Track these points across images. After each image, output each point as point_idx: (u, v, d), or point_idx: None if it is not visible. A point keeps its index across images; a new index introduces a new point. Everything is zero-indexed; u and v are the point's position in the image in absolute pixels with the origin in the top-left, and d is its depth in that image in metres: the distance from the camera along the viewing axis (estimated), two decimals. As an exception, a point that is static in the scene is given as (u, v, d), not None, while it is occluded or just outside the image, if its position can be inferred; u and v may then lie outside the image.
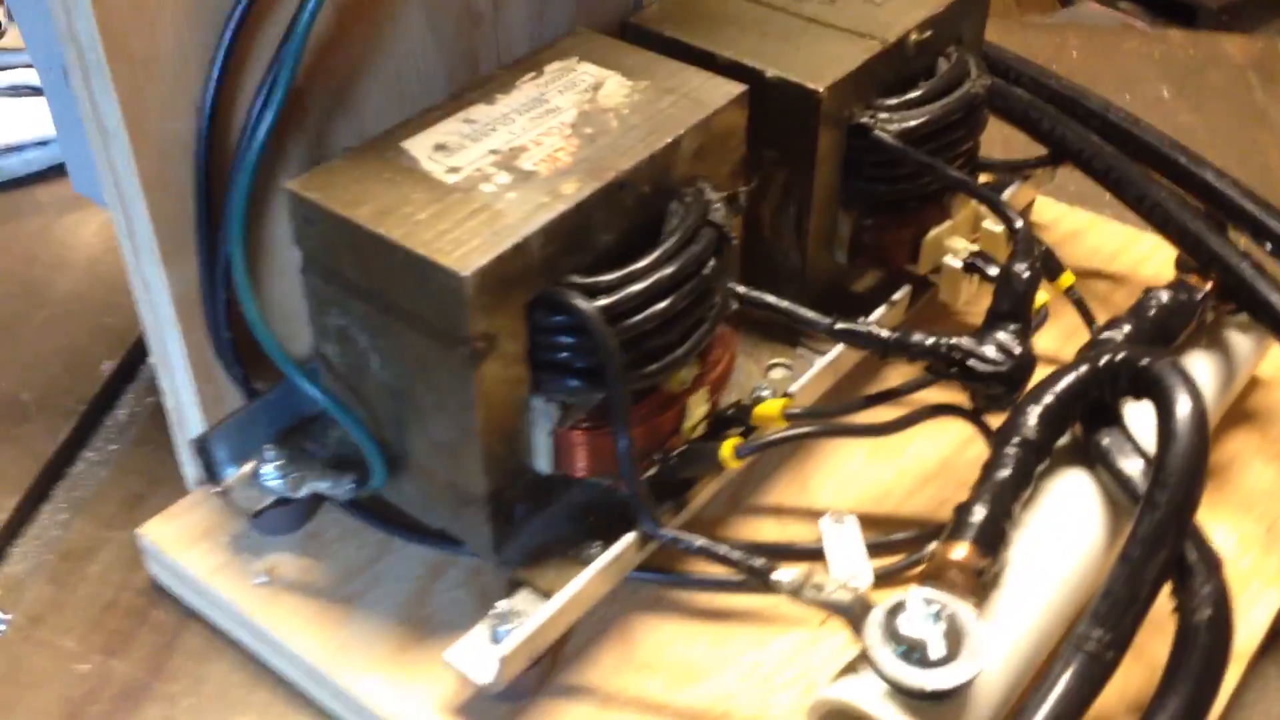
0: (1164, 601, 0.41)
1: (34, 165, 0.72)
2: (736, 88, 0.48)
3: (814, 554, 0.48)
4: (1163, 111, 0.80)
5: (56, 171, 0.72)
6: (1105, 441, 0.45)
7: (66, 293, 0.65)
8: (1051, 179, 0.63)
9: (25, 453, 0.57)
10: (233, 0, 0.43)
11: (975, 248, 0.55)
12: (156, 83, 0.43)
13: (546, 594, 0.44)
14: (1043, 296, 0.54)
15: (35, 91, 0.73)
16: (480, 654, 0.43)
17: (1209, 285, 0.51)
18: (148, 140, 0.43)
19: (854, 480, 0.53)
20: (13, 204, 0.71)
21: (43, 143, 0.71)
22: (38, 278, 0.66)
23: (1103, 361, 0.46)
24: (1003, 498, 0.43)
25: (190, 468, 0.51)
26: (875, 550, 0.47)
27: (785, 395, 0.49)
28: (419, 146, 0.44)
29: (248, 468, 0.49)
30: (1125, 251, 0.64)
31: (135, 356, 0.62)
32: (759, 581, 0.42)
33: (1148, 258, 0.63)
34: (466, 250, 0.40)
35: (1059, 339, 0.57)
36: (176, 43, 0.43)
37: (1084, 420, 0.46)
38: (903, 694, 0.38)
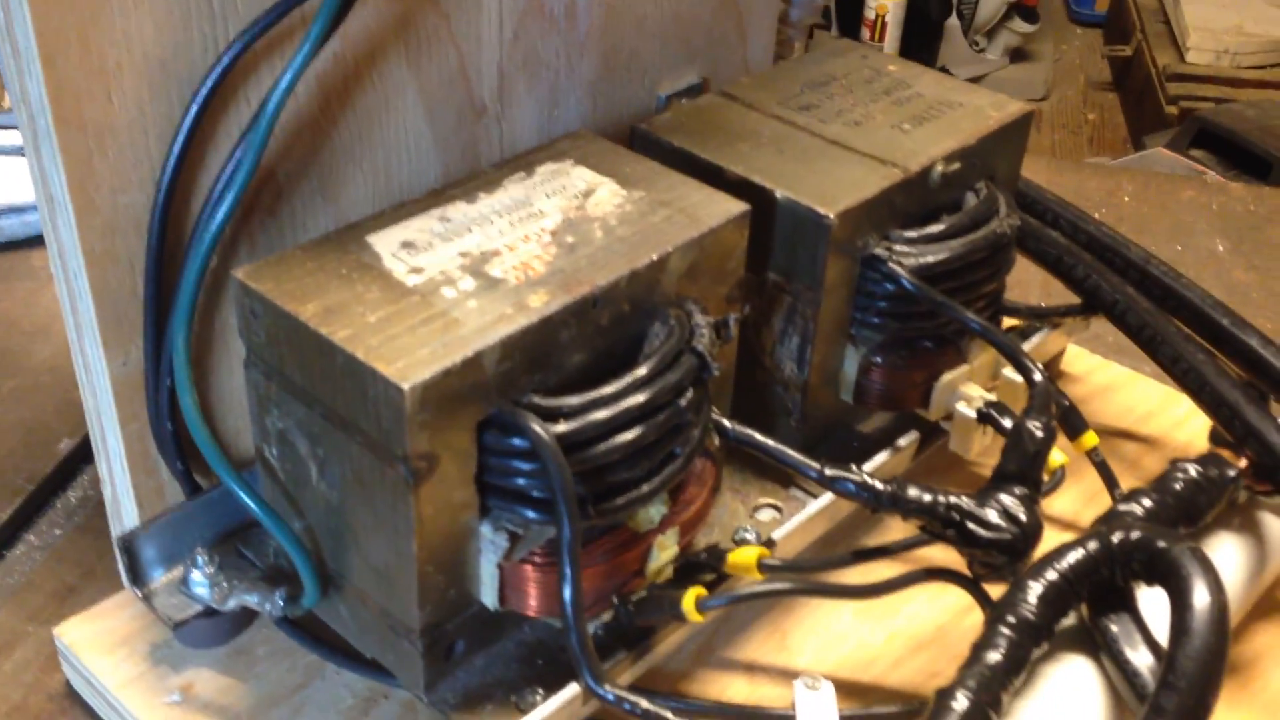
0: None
1: (34, 228, 0.70)
2: (738, 206, 0.44)
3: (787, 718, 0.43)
4: (1216, 267, 0.75)
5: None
6: (1113, 629, 0.40)
7: (40, 363, 0.62)
8: (1085, 329, 0.59)
9: (-38, 530, 0.53)
10: (201, 72, 0.41)
11: (992, 397, 0.50)
12: (110, 153, 0.40)
13: (475, 745, 0.39)
14: (1062, 457, 0.50)
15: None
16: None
17: (1243, 462, 0.46)
18: (96, 212, 0.40)
19: (839, 641, 0.48)
20: (5, 266, 0.69)
21: (42, 207, 0.69)
22: (14, 346, 0.63)
23: (1117, 539, 0.41)
24: (991, 684, 0.38)
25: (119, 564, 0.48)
26: (852, 723, 0.43)
27: (765, 544, 0.45)
28: (384, 242, 0.41)
29: (175, 572, 0.45)
30: (1160, 414, 0.59)
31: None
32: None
33: (1184, 422, 0.59)
34: (412, 361, 0.36)
35: (1077, 504, 0.52)
36: (136, 113, 0.40)
37: (1091, 602, 0.41)
38: None
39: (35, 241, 0.71)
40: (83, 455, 0.58)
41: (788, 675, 0.45)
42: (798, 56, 0.62)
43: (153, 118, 0.40)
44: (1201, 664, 0.36)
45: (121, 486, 0.46)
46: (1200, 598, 0.37)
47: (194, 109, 0.41)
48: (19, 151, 0.71)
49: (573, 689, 0.41)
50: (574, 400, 0.39)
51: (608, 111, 0.55)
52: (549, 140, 0.49)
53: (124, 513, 0.46)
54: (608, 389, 0.39)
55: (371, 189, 0.48)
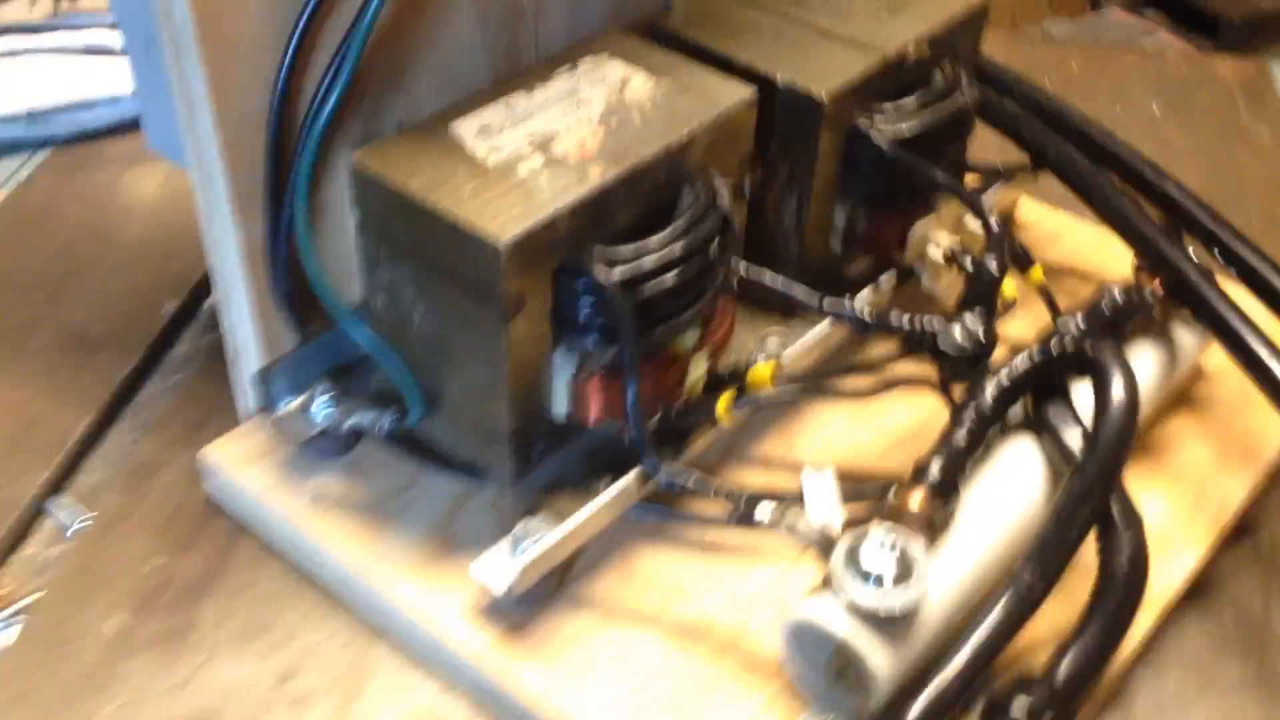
0: (1091, 552, 0.48)
1: (104, 121, 0.79)
2: (748, 90, 0.54)
3: (795, 499, 0.54)
4: (1152, 126, 0.86)
5: (124, 128, 0.79)
6: (1050, 413, 0.52)
7: (132, 239, 0.72)
8: (1035, 183, 0.69)
9: (98, 379, 0.64)
10: (305, -8, 0.50)
11: (956, 242, 0.61)
12: (239, 63, 0.49)
13: (559, 518, 0.51)
14: (1014, 289, 0.60)
15: (108, 52, 0.79)
16: (501, 566, 0.49)
17: (1159, 286, 0.57)
18: (229, 112, 0.50)
19: (836, 440, 0.59)
20: (83, 156, 0.78)
21: (113, 101, 0.78)
22: (107, 224, 0.73)
23: (1055, 345, 0.52)
24: (957, 456, 0.50)
25: (247, 399, 0.58)
26: (849, 499, 0.54)
27: (776, 361, 0.56)
28: (466, 128, 0.51)
29: (300, 400, 0.56)
30: (1099, 253, 0.70)
31: (195, 299, 0.69)
32: (743, 515, 0.48)
33: (1119, 259, 0.69)
34: (504, 222, 0.46)
35: (1027, 327, 0.63)
36: (259, 27, 0.49)
37: (1035, 395, 0.53)
38: (858, 614, 0.45)
39: (106, 133, 0.80)
40: (184, 316, 0.68)
41: (796, 468, 0.56)
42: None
43: (271, 32, 0.49)
44: (1116, 432, 0.48)
45: (245, 336, 0.56)
46: (1116, 385, 0.49)
47: (302, 23, 0.50)
48: (89, 51, 0.80)
49: (631, 475, 0.52)
50: (627, 250, 0.49)
51: (622, 10, 0.64)
52: (574, 39, 0.58)
53: (249, 357, 0.57)
54: (653, 240, 0.49)
55: (435, 84, 0.57)
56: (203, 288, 0.69)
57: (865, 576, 0.45)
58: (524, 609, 0.51)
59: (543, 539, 0.49)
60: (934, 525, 0.48)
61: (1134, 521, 0.48)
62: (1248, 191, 0.80)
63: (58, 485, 0.59)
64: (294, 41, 0.50)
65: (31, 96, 0.77)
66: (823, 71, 0.57)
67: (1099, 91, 0.88)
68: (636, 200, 0.50)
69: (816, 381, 0.56)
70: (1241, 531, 0.58)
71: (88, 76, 0.78)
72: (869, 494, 0.55)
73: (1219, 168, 0.82)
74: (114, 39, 0.79)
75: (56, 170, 0.76)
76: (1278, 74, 0.93)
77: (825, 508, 0.51)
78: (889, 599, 0.44)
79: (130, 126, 0.78)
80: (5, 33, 0.79)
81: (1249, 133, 0.86)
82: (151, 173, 0.76)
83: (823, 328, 0.58)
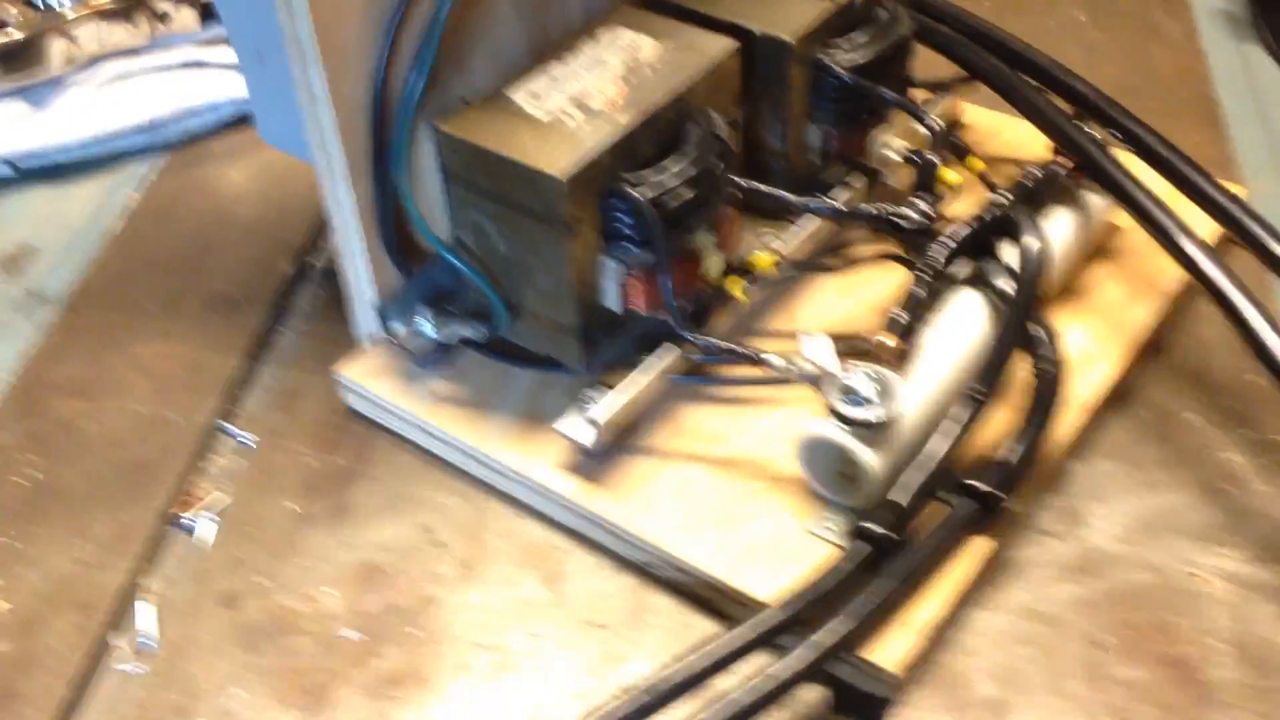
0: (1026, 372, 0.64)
1: (209, 124, 0.95)
2: (732, 43, 0.69)
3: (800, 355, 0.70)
4: (1076, 31, 1.01)
5: (224, 129, 0.95)
6: (988, 268, 0.67)
7: (247, 217, 0.88)
8: (975, 92, 0.84)
9: (242, 329, 0.80)
10: (392, 6, 0.65)
11: (909, 145, 0.76)
12: (348, 64, 0.64)
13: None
14: (958, 176, 0.76)
15: (203, 65, 0.95)
16: (578, 425, 0.65)
17: (1070, 164, 0.73)
18: (343, 101, 0.65)
19: (828, 311, 0.75)
20: (195, 155, 0.94)
21: (214, 106, 0.94)
22: (225, 208, 0.89)
23: (987, 215, 0.68)
24: (918, 306, 0.65)
25: (365, 328, 0.74)
26: (841, 352, 0.69)
27: (775, 251, 0.71)
28: (519, 95, 0.66)
29: (410, 322, 0.72)
30: (1030, 143, 0.84)
31: (304, 261, 0.85)
32: (755, 363, 0.64)
33: (1044, 147, 0.84)
34: (561, 162, 0.61)
35: (972, 204, 0.78)
36: (360, 35, 0.64)
37: (975, 255, 0.68)
38: (852, 425, 0.61)
39: (211, 134, 0.95)
40: (300, 277, 0.84)
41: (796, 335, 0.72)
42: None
43: (369, 38, 0.65)
44: (1031, 273, 0.63)
45: (362, 276, 0.71)
46: (1028, 239, 0.64)
47: (391, 28, 0.65)
48: (188, 67, 0.95)
49: (671, 347, 0.68)
50: (652, 176, 0.64)
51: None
52: (591, 15, 0.73)
53: (365, 293, 0.72)
54: (670, 165, 0.65)
55: (487, 64, 0.71)
56: (308, 251, 0.85)
57: (855, 399, 0.61)
58: (599, 460, 0.67)
59: (606, 399, 0.65)
60: (904, 358, 0.64)
61: (1052, 338, 0.64)
62: (1160, 80, 0.95)
63: (225, 414, 0.76)
64: (387, 45, 0.65)
65: (147, 109, 0.92)
66: (789, 20, 0.72)
67: (1032, 6, 1.03)
68: (654, 137, 0.65)
69: (809, 262, 0.72)
70: (1153, 351, 0.73)
71: (189, 87, 0.94)
72: (857, 347, 0.72)
73: (1135, 61, 0.97)
74: (206, 54, 0.95)
75: (176, 169, 0.92)
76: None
77: (823, 357, 0.67)
78: (872, 412, 0.60)
79: (228, 127, 0.94)
80: (117, 57, 0.94)
81: (1160, 28, 1.01)
82: (252, 163, 0.92)
83: (809, 221, 0.74)
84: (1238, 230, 0.67)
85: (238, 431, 0.74)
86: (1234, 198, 0.69)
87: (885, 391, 0.61)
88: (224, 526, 0.69)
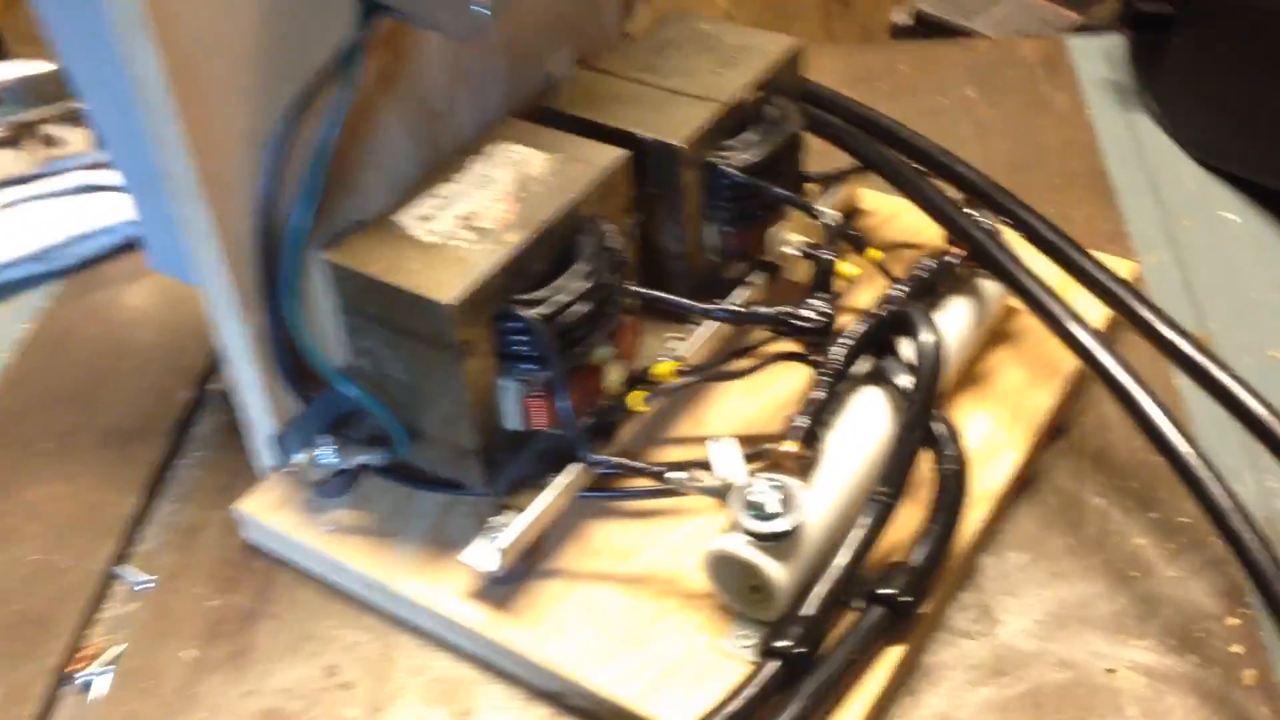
0: (929, 466, 0.63)
1: (102, 248, 0.93)
2: (621, 152, 0.69)
3: (705, 465, 0.69)
4: (968, 108, 1.02)
5: (119, 253, 0.93)
6: (886, 366, 0.67)
7: (144, 345, 0.86)
8: (868, 180, 0.85)
9: (139, 464, 0.77)
10: (274, 136, 0.64)
11: (805, 239, 0.76)
12: (230, 197, 0.63)
13: (523, 510, 0.65)
14: (855, 269, 0.76)
15: (94, 189, 0.94)
16: (483, 554, 0.64)
17: (961, 253, 0.73)
18: (228, 234, 0.63)
19: (734, 414, 0.74)
20: (88, 281, 0.92)
21: (108, 230, 0.92)
22: (120, 336, 0.87)
23: (884, 311, 0.68)
24: (819, 410, 0.65)
25: (264, 459, 0.72)
26: (750, 458, 0.69)
27: (677, 359, 0.71)
28: (407, 218, 0.66)
29: (309, 452, 0.70)
30: (929, 227, 0.85)
31: (204, 386, 0.83)
32: (659, 481, 0.64)
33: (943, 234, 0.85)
34: (449, 287, 0.60)
35: (872, 297, 0.78)
36: (242, 167, 0.63)
37: (875, 353, 0.68)
38: (755, 539, 0.60)
39: (104, 259, 0.93)
40: (197, 402, 0.82)
41: (705, 441, 0.71)
42: (641, 23, 0.86)
43: (251, 168, 0.64)
44: (929, 372, 0.63)
45: (257, 408, 0.70)
46: (924, 337, 0.64)
47: (274, 158, 0.64)
48: (79, 191, 0.94)
49: (575, 467, 0.67)
50: (544, 292, 0.64)
51: (517, 94, 0.78)
52: (485, 126, 0.73)
53: (261, 425, 0.71)
54: (563, 281, 0.64)
55: (378, 184, 0.70)
56: (208, 376, 0.83)
57: (757, 512, 0.60)
58: (507, 586, 0.66)
59: (513, 526, 0.64)
60: (806, 465, 0.63)
61: (954, 437, 0.64)
62: (1049, 153, 0.96)
63: (121, 556, 0.73)
64: (273, 175, 0.64)
65: (39, 237, 0.90)
66: (677, 124, 0.72)
67: (925, 86, 1.04)
68: (546, 253, 0.65)
69: (711, 369, 0.71)
70: (1056, 433, 0.74)
71: (82, 212, 0.92)
72: (765, 452, 0.71)
73: (1026, 136, 0.98)
74: (96, 178, 0.94)
75: (71, 296, 0.90)
76: (1071, 46, 1.09)
77: (731, 467, 0.66)
78: (777, 524, 0.59)
79: (123, 250, 0.92)
80: (6, 185, 0.92)
81: (1049, 101, 1.02)
82: (149, 286, 0.90)
83: (709, 326, 0.73)
84: (1127, 314, 0.67)
85: (134, 574, 0.72)
86: (1122, 281, 0.69)
87: (789, 501, 0.60)
88: (119, 680, 0.66)
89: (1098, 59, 1.07)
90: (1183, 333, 0.65)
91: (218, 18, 0.60)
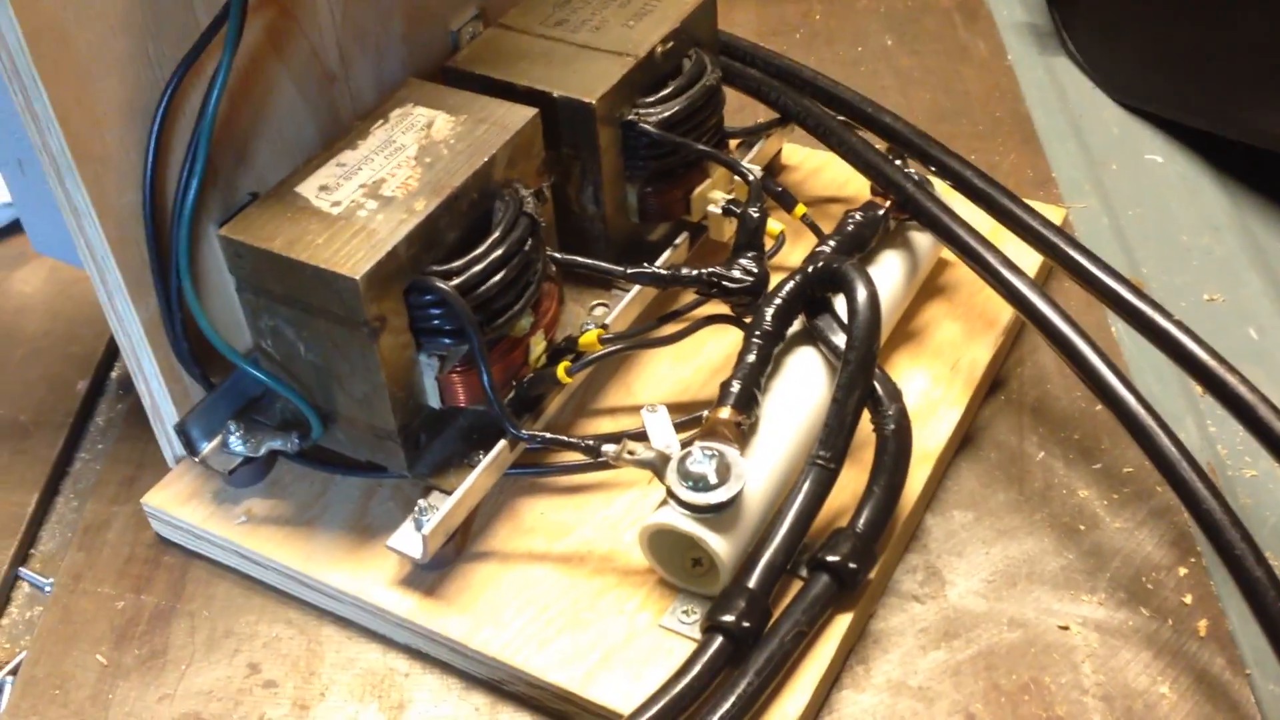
0: (867, 425, 0.61)
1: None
2: (531, 111, 0.65)
3: (640, 436, 0.66)
4: (887, 57, 1.00)
5: (2, 235, 0.87)
6: (820, 324, 0.65)
7: (35, 331, 0.81)
8: (791, 134, 0.82)
9: (34, 460, 0.73)
10: (154, 104, 0.60)
11: (730, 196, 0.74)
12: (111, 172, 0.59)
13: (449, 491, 0.62)
14: (780, 226, 0.73)
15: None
16: (410, 539, 0.61)
17: (888, 203, 0.71)
18: (110, 214, 0.59)
19: (664, 380, 0.72)
20: (-32, 267, 0.86)
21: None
22: (8, 323, 0.81)
23: (812, 269, 0.65)
24: (752, 373, 0.62)
25: (170, 449, 0.68)
26: (682, 426, 0.66)
27: (601, 327, 0.68)
28: (307, 189, 0.62)
29: (218, 440, 0.66)
30: (853, 181, 0.83)
31: (102, 374, 0.78)
32: (592, 456, 0.61)
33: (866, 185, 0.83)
34: (355, 261, 0.57)
35: (801, 253, 0.76)
36: (121, 140, 0.59)
37: (806, 311, 0.66)
38: (694, 511, 0.57)
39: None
40: (96, 391, 0.78)
41: (637, 411, 0.68)
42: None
43: (132, 141, 0.59)
44: (866, 329, 0.61)
45: (159, 395, 0.66)
46: (860, 293, 0.62)
47: (155, 129, 0.60)
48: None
49: (501, 444, 0.63)
50: (459, 263, 0.60)
51: (419, 55, 0.74)
52: (385, 90, 0.69)
53: (165, 413, 0.67)
54: (479, 251, 0.61)
55: (274, 154, 0.66)
56: (106, 363, 0.79)
57: (694, 483, 0.57)
58: (437, 571, 0.63)
59: (439, 511, 0.61)
60: (743, 431, 0.61)
61: (895, 396, 0.62)
62: (972, 99, 0.94)
63: (22, 557, 0.69)
64: (152, 147, 0.60)
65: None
66: (590, 81, 0.69)
67: (841, 35, 1.02)
68: (459, 221, 0.61)
69: (638, 336, 0.68)
70: (994, 387, 0.72)
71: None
72: (698, 419, 0.68)
73: (948, 84, 0.96)
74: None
75: (-51, 283, 0.84)
76: (988, -9, 1.07)
77: (663, 437, 0.64)
78: (715, 495, 0.57)
79: (5, 233, 0.87)
80: None
81: (968, 48, 1.00)
82: (36, 270, 0.85)
83: (634, 291, 0.70)
84: (1064, 262, 0.65)
85: (35, 577, 0.67)
86: (1051, 225, 0.67)
87: (727, 470, 0.58)
88: (21, 689, 0.62)
89: (1014, 3, 1.05)
90: (1121, 279, 0.63)
91: (87, -20, 0.55)
